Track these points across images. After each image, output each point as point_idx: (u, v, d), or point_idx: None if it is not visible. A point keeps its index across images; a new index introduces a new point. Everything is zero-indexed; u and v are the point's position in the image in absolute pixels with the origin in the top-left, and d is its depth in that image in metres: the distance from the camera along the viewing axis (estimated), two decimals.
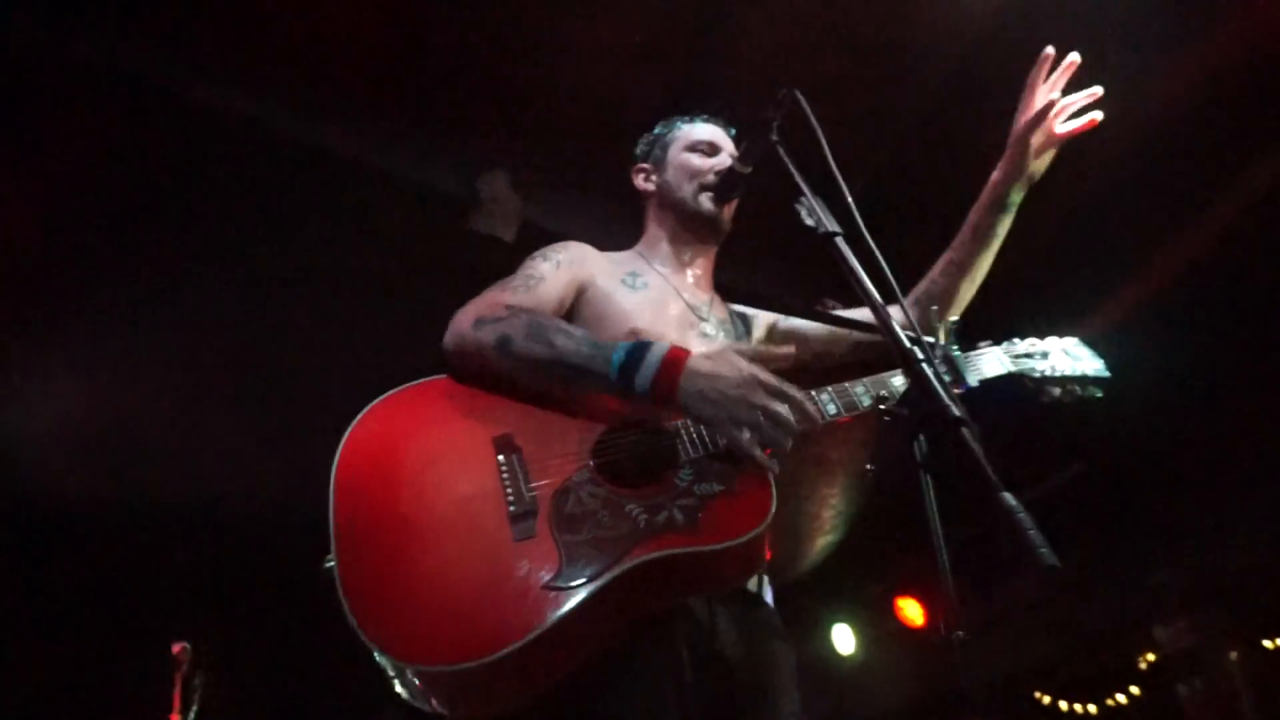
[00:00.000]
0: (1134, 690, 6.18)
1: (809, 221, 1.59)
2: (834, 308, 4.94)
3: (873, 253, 1.51)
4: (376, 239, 4.31)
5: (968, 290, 2.08)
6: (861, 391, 1.72)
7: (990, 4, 3.60)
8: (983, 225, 2.04)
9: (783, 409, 1.52)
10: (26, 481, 5.32)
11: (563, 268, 1.98)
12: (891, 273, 1.48)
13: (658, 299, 2.02)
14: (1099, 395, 2.01)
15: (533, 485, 1.54)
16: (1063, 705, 6.61)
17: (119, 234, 4.27)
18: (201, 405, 5.17)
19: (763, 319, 2.27)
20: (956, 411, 1.16)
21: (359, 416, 1.64)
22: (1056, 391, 1.98)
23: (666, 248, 2.18)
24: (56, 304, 4.57)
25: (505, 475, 1.55)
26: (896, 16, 3.67)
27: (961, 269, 2.06)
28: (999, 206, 2.03)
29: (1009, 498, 1.04)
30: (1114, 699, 6.26)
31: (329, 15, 3.65)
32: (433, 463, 1.58)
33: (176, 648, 4.70)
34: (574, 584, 1.41)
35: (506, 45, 3.79)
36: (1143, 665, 6.07)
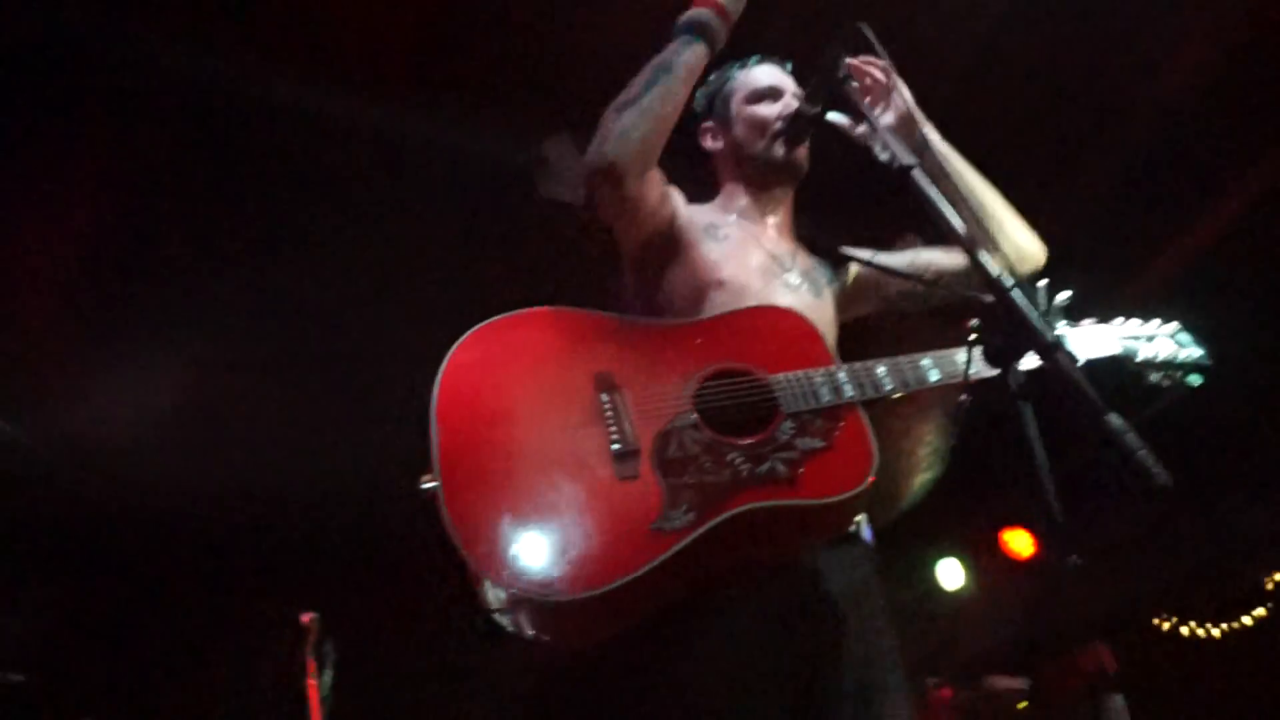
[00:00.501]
0: (1260, 611, 5.93)
1: (883, 157, 1.56)
2: (915, 243, 4.82)
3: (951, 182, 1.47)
4: (439, 216, 4.37)
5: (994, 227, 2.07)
6: (928, 365, 1.72)
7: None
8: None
9: None
10: (142, 476, 5.62)
11: (670, 193, 2.03)
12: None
13: (740, 251, 2.02)
14: (1198, 383, 2.00)
15: (636, 425, 1.57)
16: (1184, 631, 6.40)
17: (189, 229, 4.42)
18: (285, 389, 5.35)
19: (848, 269, 2.23)
20: (1050, 336, 1.13)
21: (458, 342, 1.65)
22: (1157, 376, 1.98)
23: (745, 201, 2.16)
24: (138, 299, 4.76)
25: (609, 413, 1.57)
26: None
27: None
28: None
29: (1115, 419, 1.02)
30: (1240, 621, 6.03)
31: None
32: (534, 394, 1.60)
33: (306, 618, 4.97)
34: (678, 527, 1.43)
35: (556, 10, 3.77)
36: (1270, 585, 5.82)
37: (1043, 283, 1.93)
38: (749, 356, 1.71)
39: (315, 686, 4.66)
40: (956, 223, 1.37)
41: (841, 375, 1.68)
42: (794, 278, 2.03)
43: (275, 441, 5.64)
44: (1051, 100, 4.11)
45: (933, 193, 1.45)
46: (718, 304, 1.88)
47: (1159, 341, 2.00)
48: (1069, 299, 1.92)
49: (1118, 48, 3.86)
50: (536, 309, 1.74)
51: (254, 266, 4.60)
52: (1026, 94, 4.14)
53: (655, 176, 1.92)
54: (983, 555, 7.15)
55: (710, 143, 2.25)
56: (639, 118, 1.79)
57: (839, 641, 1.61)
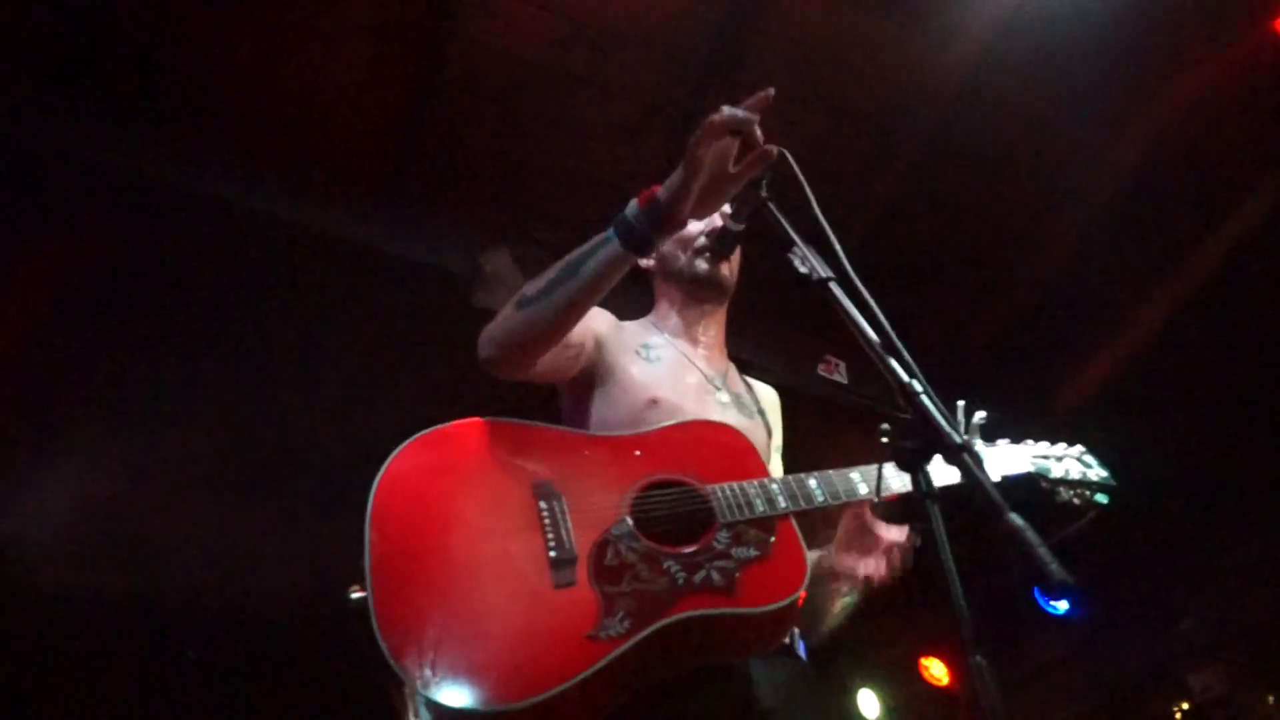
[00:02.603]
0: None
1: (802, 269, 1.63)
2: (836, 366, 4.94)
3: (864, 297, 1.55)
4: (380, 320, 4.38)
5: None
6: (857, 478, 1.78)
7: (964, 67, 3.75)
8: None
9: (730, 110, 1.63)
10: (29, 575, 5.26)
11: (586, 328, 2.01)
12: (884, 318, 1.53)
13: (674, 370, 2.06)
14: (1105, 502, 2.12)
15: (574, 533, 1.57)
16: None
17: (117, 328, 4.33)
18: (212, 499, 5.16)
19: (774, 404, 2.29)
20: (959, 438, 1.18)
21: (395, 452, 1.64)
22: (1068, 494, 2.09)
23: (676, 319, 2.21)
24: (55, 402, 4.61)
25: (547, 521, 1.57)
26: (878, 80, 3.82)
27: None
28: None
29: (1016, 518, 1.06)
30: None
31: (327, 99, 3.80)
32: (472, 501, 1.59)
33: None
34: (614, 635, 1.43)
35: (505, 125, 3.94)
36: (1177, 715, 5.89)
37: (961, 403, 2.02)
38: (686, 467, 1.74)
39: None
40: (870, 333, 1.44)
41: (775, 487, 1.72)
42: (725, 397, 2.07)
43: (175, 554, 5.37)
44: (967, 233, 4.41)
45: (848, 303, 1.53)
46: (652, 423, 1.89)
47: (1067, 462, 2.12)
48: (985, 419, 2.02)
49: (1030, 179, 4.17)
50: (475, 419, 1.74)
51: (182, 368, 4.50)
52: (942, 226, 4.43)
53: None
54: (901, 683, 7.10)
55: (643, 262, 2.29)
56: (528, 323, 1.73)
57: None
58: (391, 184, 4.09)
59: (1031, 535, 1.04)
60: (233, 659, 5.94)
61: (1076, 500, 2.09)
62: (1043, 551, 1.02)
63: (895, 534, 1.85)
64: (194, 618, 5.67)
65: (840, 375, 4.48)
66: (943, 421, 1.23)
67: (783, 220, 1.74)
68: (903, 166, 4.10)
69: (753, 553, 1.59)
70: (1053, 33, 3.57)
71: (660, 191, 1.67)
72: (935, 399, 1.29)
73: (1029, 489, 2.05)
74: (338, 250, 4.06)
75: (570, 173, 4.12)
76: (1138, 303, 4.65)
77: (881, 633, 7.00)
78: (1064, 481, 2.08)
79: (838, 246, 1.63)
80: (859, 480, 1.79)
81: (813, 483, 1.76)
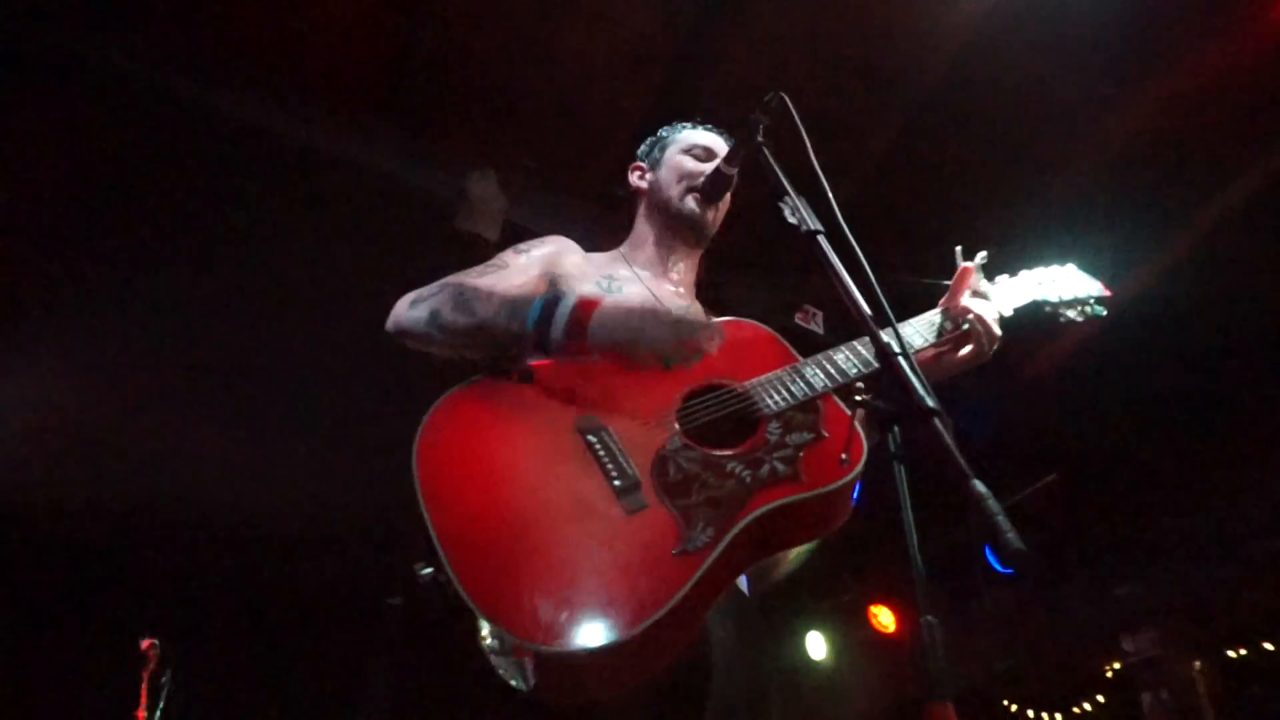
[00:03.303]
0: (1099, 698, 6.27)
1: (791, 220, 1.62)
2: (814, 315, 4.95)
3: (855, 253, 1.54)
4: (363, 239, 4.31)
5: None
6: (843, 359, 1.79)
7: (967, 25, 3.68)
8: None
9: (690, 323, 1.60)
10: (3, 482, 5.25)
11: (533, 263, 2.01)
12: (873, 274, 1.52)
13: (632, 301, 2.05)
14: (1104, 313, 2.24)
15: (631, 458, 1.57)
16: (1029, 714, 6.69)
17: (89, 235, 4.23)
18: (174, 405, 5.13)
19: None
20: (930, 402, 1.20)
21: (422, 424, 1.59)
22: (1072, 313, 2.21)
23: (651, 249, 2.20)
24: (32, 300, 4.52)
25: (601, 453, 1.57)
26: (877, 35, 3.75)
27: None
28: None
29: (979, 485, 1.07)
30: (1080, 707, 6.35)
31: (322, 13, 3.66)
32: (520, 455, 1.57)
33: (145, 643, 4.65)
34: (701, 545, 1.44)
35: (497, 50, 3.82)
36: (1109, 674, 6.16)
37: (959, 248, 2.13)
38: (718, 370, 1.75)
39: None
40: (851, 288, 1.44)
41: (808, 370, 1.76)
42: None
43: (138, 458, 5.36)
44: (958, 194, 4.38)
45: (834, 258, 1.52)
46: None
47: (1062, 281, 2.23)
48: (985, 258, 2.13)
49: (1024, 144, 4.14)
50: (488, 378, 1.71)
51: (154, 278, 4.42)
52: (934, 186, 4.39)
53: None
54: (849, 628, 7.33)
55: (636, 180, 2.32)
56: (444, 330, 1.73)
57: (709, 686, 1.62)
58: (381, 103, 3.98)
59: (993, 503, 1.06)
60: (199, 571, 5.99)
61: (1079, 317, 2.22)
62: (1002, 520, 1.04)
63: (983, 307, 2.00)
64: (160, 529, 5.69)
65: (816, 325, 4.50)
66: (917, 383, 1.24)
67: (776, 168, 1.72)
68: (900, 122, 4.05)
69: (807, 436, 1.63)
70: None
71: (594, 320, 1.63)
72: (912, 360, 1.30)
73: (1037, 315, 2.18)
74: (321, 165, 3.97)
75: (562, 102, 4.02)
76: (1120, 274, 4.69)
77: (833, 579, 7.20)
78: (1065, 302, 2.19)
79: (831, 198, 1.62)
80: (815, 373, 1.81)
81: (840, 356, 1.79)
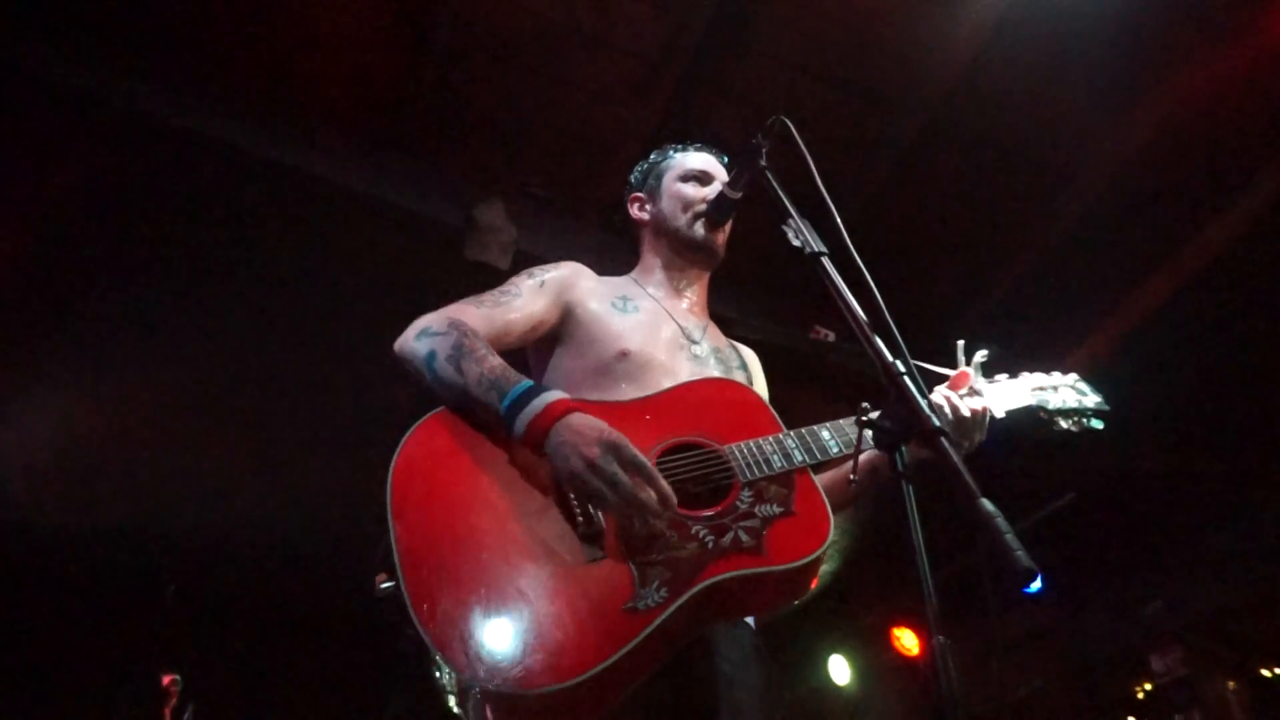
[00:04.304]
0: None
1: (795, 242, 1.63)
2: (825, 335, 4.95)
3: (861, 272, 1.55)
4: (369, 266, 4.36)
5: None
6: (828, 437, 1.76)
7: (973, 42, 3.70)
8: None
9: (632, 488, 1.48)
10: (11, 509, 5.29)
11: (547, 287, 2.02)
12: (879, 293, 1.52)
13: (649, 321, 2.05)
14: (1100, 426, 2.18)
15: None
16: None
17: (105, 261, 4.30)
18: (195, 435, 5.17)
19: (756, 365, 2.27)
20: (936, 422, 1.19)
21: (404, 439, 1.61)
22: (1066, 423, 2.15)
23: (661, 274, 2.21)
24: (39, 333, 4.57)
25: (571, 496, 1.57)
26: (881, 56, 3.77)
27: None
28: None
29: (987, 504, 1.07)
30: None
31: (326, 43, 3.73)
32: (491, 483, 1.58)
33: (166, 679, 4.66)
34: (652, 605, 1.43)
35: (502, 77, 3.88)
36: (1140, 695, 6.04)
37: (960, 342, 2.08)
38: (700, 429, 1.73)
39: None
40: (857, 309, 1.44)
41: (790, 442, 1.72)
42: (700, 350, 2.07)
43: (161, 489, 5.39)
44: (964, 214, 4.38)
45: (839, 280, 1.52)
46: (620, 374, 1.90)
47: (1063, 391, 2.18)
48: (986, 357, 2.08)
49: (1030, 162, 4.13)
50: None
51: (169, 303, 4.47)
52: (940, 206, 4.40)
53: (510, 317, 1.92)
54: (872, 652, 7.23)
55: (637, 212, 2.32)
56: (435, 377, 1.70)
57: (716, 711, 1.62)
58: (387, 131, 4.04)
59: (1001, 522, 1.05)
60: (213, 592, 6.00)
61: (1074, 428, 2.16)
62: (1010, 538, 1.03)
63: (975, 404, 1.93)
64: (174, 550, 5.70)
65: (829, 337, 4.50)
66: (922, 403, 1.24)
67: (779, 191, 1.73)
68: (905, 142, 4.06)
69: (776, 509, 1.60)
70: (1061, 14, 3.52)
71: (563, 427, 1.55)
72: (918, 380, 1.29)
73: (1030, 420, 2.13)
74: (331, 194, 4.03)
75: (568, 128, 4.07)
76: (1129, 291, 4.66)
77: (855, 601, 7.12)
78: (1062, 411, 2.15)
79: (838, 219, 1.62)
80: (793, 447, 1.75)
81: (825, 434, 1.76)
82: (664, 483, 1.52)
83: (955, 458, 1.13)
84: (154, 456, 5.23)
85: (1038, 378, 2.18)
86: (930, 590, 1.11)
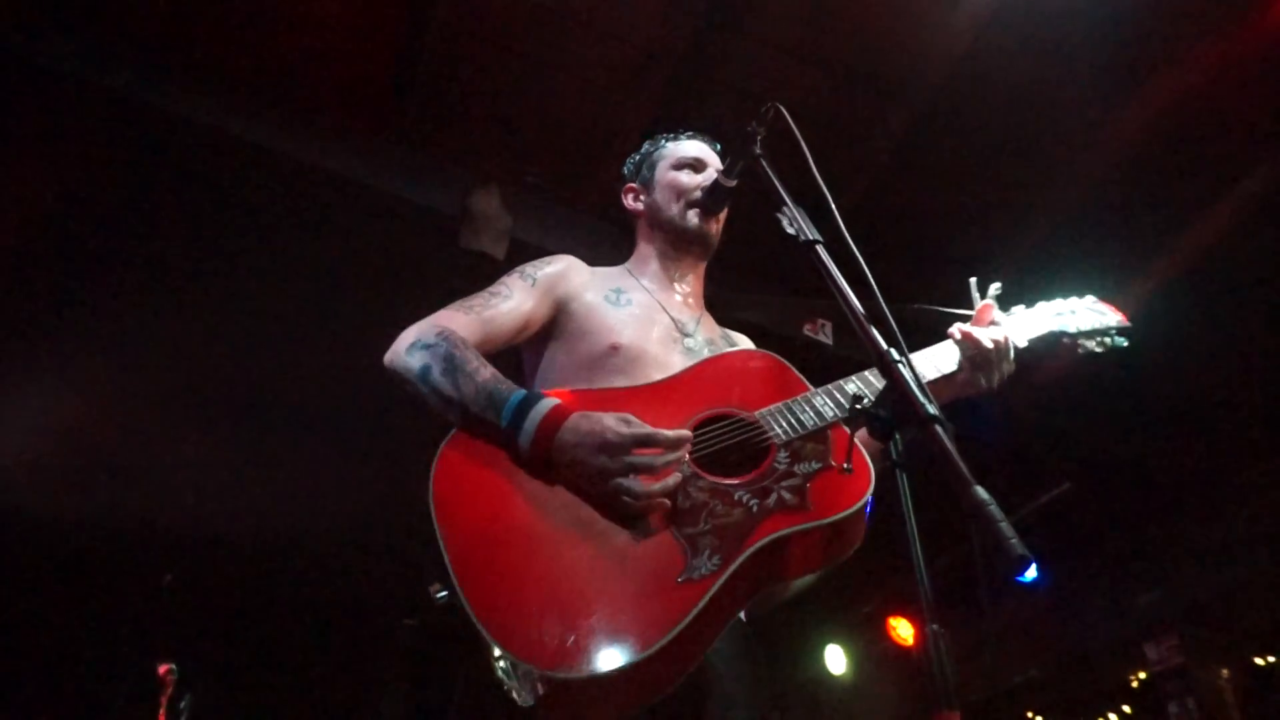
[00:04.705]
0: (1125, 709, 6.17)
1: (790, 230, 1.62)
2: (823, 326, 4.93)
3: (857, 261, 1.54)
4: (364, 256, 4.34)
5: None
6: (854, 389, 1.75)
7: (967, 32, 3.68)
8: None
9: (637, 485, 1.50)
10: (7, 500, 5.28)
11: (540, 284, 2.01)
12: (874, 281, 1.51)
13: (642, 315, 2.04)
14: (1126, 343, 2.16)
15: None
16: None
17: (96, 252, 4.28)
18: (186, 424, 5.15)
19: (745, 345, 2.25)
20: (931, 409, 1.18)
21: (441, 447, 1.62)
22: (1091, 344, 2.13)
23: (655, 265, 2.20)
24: (30, 325, 4.56)
25: None
26: (877, 44, 3.75)
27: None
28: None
29: (981, 491, 1.06)
30: (1105, 717, 6.25)
31: (322, 32, 3.70)
32: (527, 479, 1.58)
33: (163, 668, 4.66)
34: (707, 574, 1.45)
35: (499, 65, 3.85)
36: (1134, 683, 6.06)
37: (973, 279, 2.08)
38: (729, 400, 1.75)
39: None
40: (851, 297, 1.44)
41: (818, 399, 1.74)
42: (694, 343, 2.06)
43: (156, 480, 5.39)
44: (960, 202, 4.37)
45: (833, 268, 1.51)
46: (611, 368, 1.89)
47: (1082, 313, 2.15)
48: (999, 289, 2.06)
49: (1026, 150, 4.12)
50: None
51: (162, 294, 4.46)
52: (935, 194, 4.38)
53: (501, 321, 1.91)
54: (868, 642, 7.25)
55: (632, 203, 2.31)
56: (431, 390, 1.69)
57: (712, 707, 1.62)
58: (383, 120, 4.02)
59: (995, 510, 1.04)
60: (210, 582, 6.00)
61: (1099, 348, 2.14)
62: (1005, 526, 1.03)
63: (995, 334, 1.92)
64: (171, 540, 5.70)
65: (825, 336, 4.49)
66: (917, 391, 1.23)
67: (774, 179, 1.72)
68: (902, 129, 4.04)
69: (815, 465, 1.62)
70: (1059, 1, 3.51)
71: (568, 430, 1.55)
72: (913, 368, 1.29)
73: (1056, 347, 2.11)
74: (325, 183, 4.01)
75: (564, 116, 4.05)
76: (1123, 283, 4.66)
77: (851, 592, 7.14)
78: (1084, 333, 2.12)
79: (833, 206, 1.61)
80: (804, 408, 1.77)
81: (851, 387, 1.76)
82: (667, 433, 1.54)
83: (949, 445, 1.13)
84: (151, 447, 5.22)
85: (1055, 304, 2.17)
86: (925, 579, 1.11)
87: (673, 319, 2.08)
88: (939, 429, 1.14)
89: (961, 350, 1.92)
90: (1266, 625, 5.41)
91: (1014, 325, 2.04)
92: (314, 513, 5.67)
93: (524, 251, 4.10)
